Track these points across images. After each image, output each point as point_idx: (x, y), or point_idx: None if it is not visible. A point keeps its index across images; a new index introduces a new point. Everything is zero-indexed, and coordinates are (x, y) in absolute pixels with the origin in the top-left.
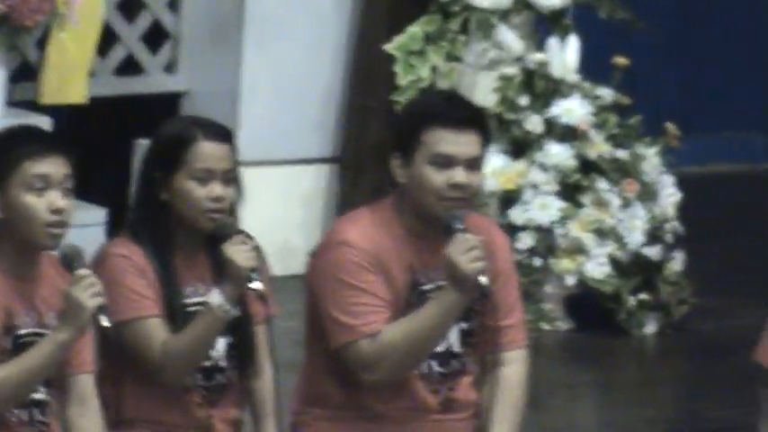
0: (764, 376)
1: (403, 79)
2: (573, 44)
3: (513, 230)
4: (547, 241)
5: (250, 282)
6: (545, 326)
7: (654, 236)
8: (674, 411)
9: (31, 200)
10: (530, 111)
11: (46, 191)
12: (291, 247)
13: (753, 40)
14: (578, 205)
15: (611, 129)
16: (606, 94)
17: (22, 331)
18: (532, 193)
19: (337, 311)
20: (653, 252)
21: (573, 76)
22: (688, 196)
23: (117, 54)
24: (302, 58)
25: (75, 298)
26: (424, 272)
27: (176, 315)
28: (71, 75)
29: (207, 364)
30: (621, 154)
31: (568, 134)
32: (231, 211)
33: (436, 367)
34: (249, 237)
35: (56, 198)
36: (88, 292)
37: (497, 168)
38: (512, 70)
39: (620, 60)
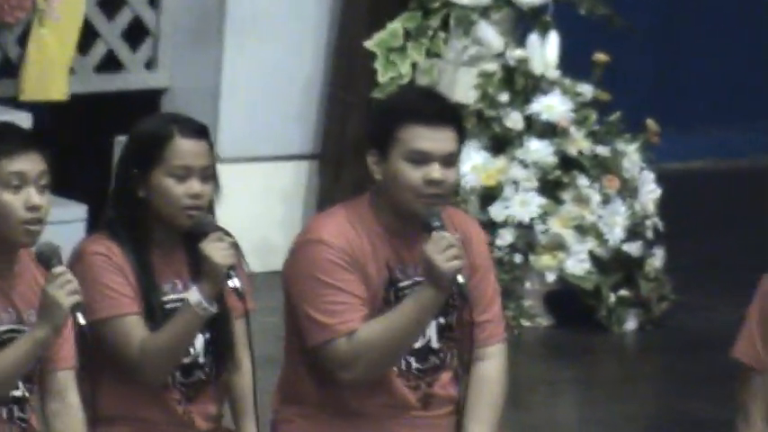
0: (742, 372)
1: (383, 76)
2: (553, 41)
3: (493, 227)
4: (527, 238)
5: (228, 279)
6: (525, 322)
7: (634, 232)
8: (654, 407)
9: (7, 197)
10: (510, 107)
11: (22, 188)
12: (272, 243)
13: (733, 37)
14: (558, 202)
15: (591, 125)
16: (586, 90)
17: (1, 328)
18: (513, 190)
19: (313, 310)
20: (633, 248)
21: (553, 73)
22: (668, 192)
23: (97, 51)
24: (283, 55)
25: (52, 296)
26: (401, 268)
27: (155, 312)
28: (52, 72)
29: (186, 360)
30: (602, 150)
31: (549, 130)
32: (209, 207)
33: (414, 363)
34: (227, 234)
35: (32, 195)
36: (65, 290)
37: (478, 165)
38: (492, 67)
39: (601, 57)
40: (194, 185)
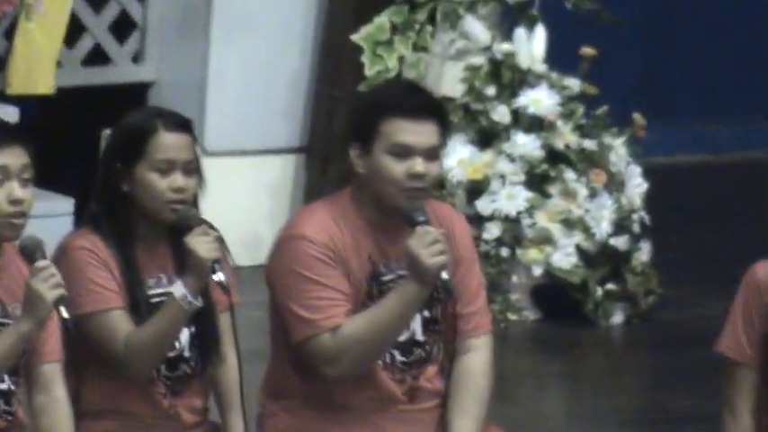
0: (727, 366)
1: (370, 70)
2: (540, 34)
3: (480, 221)
4: (514, 231)
5: (213, 273)
6: (512, 316)
7: (621, 226)
8: (640, 401)
9: None
10: (497, 101)
11: (5, 182)
12: (259, 237)
13: (720, 31)
14: (545, 195)
15: (578, 119)
16: (573, 84)
17: None
18: (499, 184)
19: (297, 306)
20: (620, 242)
21: (540, 67)
22: (655, 186)
23: (84, 44)
24: (270, 49)
25: (35, 289)
26: (384, 262)
27: (140, 307)
28: (38, 65)
29: (171, 354)
30: (589, 144)
31: (535, 124)
32: (193, 201)
33: (399, 357)
34: (211, 227)
35: (15, 189)
36: (48, 284)
37: (464, 159)
38: (479, 60)
39: (587, 51)
40: (178, 179)
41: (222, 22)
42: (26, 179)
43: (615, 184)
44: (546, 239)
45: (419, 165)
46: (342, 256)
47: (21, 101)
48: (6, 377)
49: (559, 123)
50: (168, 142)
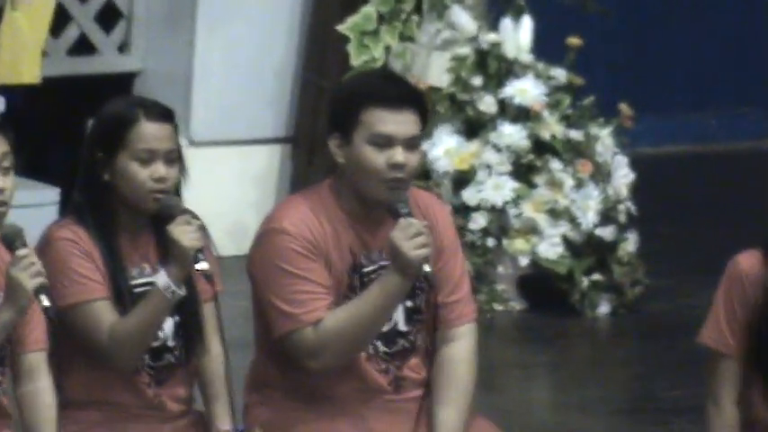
0: (711, 357)
1: (356, 59)
2: (526, 24)
3: (466, 211)
4: (500, 222)
5: (196, 262)
6: (498, 306)
7: (607, 216)
8: (626, 392)
9: None
10: (483, 91)
11: None
12: (245, 227)
13: (708, 21)
14: (532, 186)
15: (564, 109)
16: (560, 74)
17: None
18: (486, 174)
19: (279, 300)
20: (606, 233)
21: (526, 57)
22: (641, 177)
23: (70, 34)
24: (255, 39)
25: (15, 278)
26: (365, 254)
27: (123, 297)
28: (24, 55)
29: (155, 344)
30: (575, 134)
31: (522, 114)
32: (176, 191)
33: (382, 347)
34: (194, 216)
35: None
36: (28, 272)
37: (451, 148)
38: (465, 51)
39: (574, 41)
40: (159, 169)
41: (208, 11)
42: (6, 167)
43: (601, 175)
44: (532, 230)
45: (399, 154)
46: (322, 248)
47: (6, 91)
48: None
49: (546, 114)
50: (149, 132)
